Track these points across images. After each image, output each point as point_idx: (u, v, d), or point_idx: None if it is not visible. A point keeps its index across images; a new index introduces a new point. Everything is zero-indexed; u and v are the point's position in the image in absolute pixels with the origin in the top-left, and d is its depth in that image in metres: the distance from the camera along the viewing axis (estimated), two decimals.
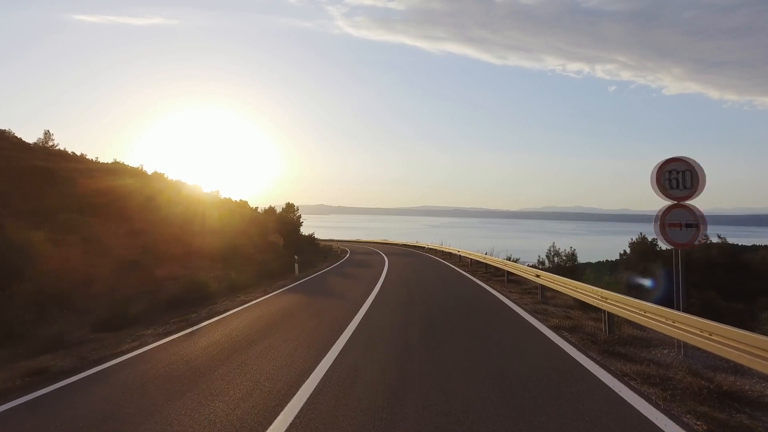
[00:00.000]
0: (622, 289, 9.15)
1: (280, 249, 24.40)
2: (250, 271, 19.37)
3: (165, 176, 33.06)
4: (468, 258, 22.80)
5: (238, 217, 31.05)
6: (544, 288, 10.07)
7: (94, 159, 31.08)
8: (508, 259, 15.80)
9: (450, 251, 27.86)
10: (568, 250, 20.67)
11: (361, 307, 9.47)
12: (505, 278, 13.93)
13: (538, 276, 10.05)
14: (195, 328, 7.91)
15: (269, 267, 20.22)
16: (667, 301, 6.04)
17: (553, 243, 20.66)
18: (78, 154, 30.22)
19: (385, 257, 29.02)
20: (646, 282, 13.48)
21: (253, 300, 11.53)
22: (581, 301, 7.87)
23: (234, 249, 23.90)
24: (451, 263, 22.88)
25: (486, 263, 17.21)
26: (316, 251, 35.86)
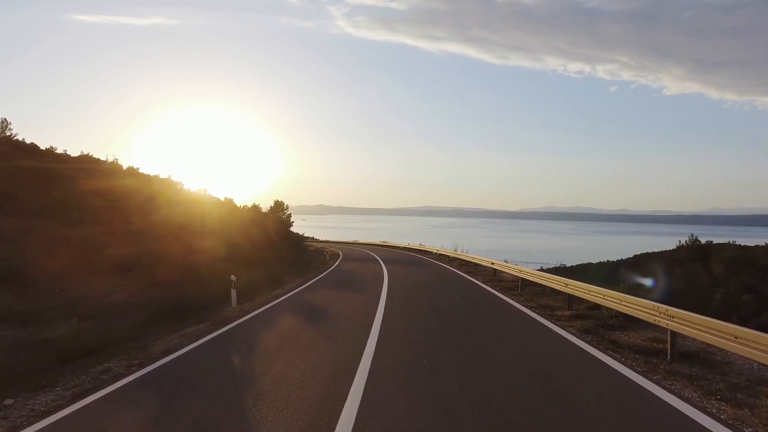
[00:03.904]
0: None
1: (223, 260, 16.62)
2: (164, 297, 11.90)
3: (138, 170, 25.85)
4: (507, 274, 15.01)
5: (210, 217, 23.46)
6: None
7: (63, 152, 24.53)
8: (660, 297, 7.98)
9: (475, 261, 19.95)
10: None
11: None
12: (667, 347, 6.04)
13: None
14: None
15: (197, 291, 12.60)
16: None
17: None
18: (39, 146, 23.62)
19: (384, 268, 21.23)
20: None
21: None
22: None
23: (157, 258, 16.23)
24: (482, 282, 15.08)
25: (569, 293, 9.36)
26: (300, 257, 28.17)
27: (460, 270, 19.89)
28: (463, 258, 22.48)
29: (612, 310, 7.83)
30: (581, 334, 7.26)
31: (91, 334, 8.17)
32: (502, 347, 6.62)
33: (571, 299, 9.42)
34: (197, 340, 7.69)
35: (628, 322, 7.82)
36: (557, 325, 8.00)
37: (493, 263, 16.46)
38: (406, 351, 6.48)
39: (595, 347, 6.41)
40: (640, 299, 6.51)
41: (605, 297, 7.63)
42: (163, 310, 10.92)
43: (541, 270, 18.72)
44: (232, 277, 11.29)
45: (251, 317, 9.70)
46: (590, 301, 8.81)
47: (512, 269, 13.91)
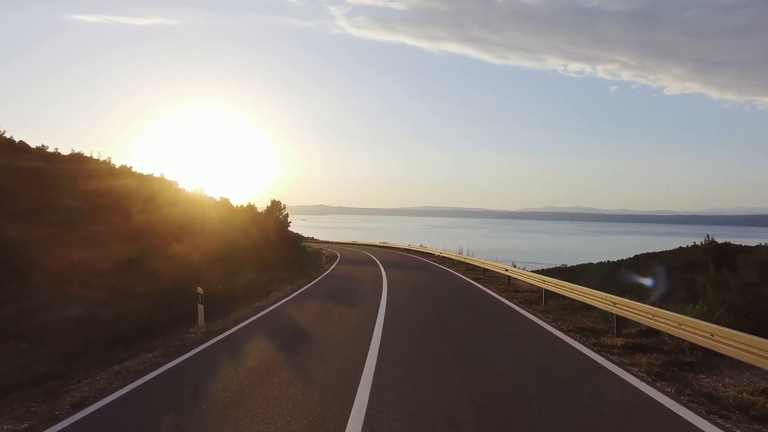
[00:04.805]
0: None
1: (197, 267, 14.65)
2: (127, 311, 10.13)
3: (131, 169, 24.18)
4: (524, 283, 13.08)
5: (204, 217, 21.66)
6: None
7: (54, 151, 22.61)
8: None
9: (484, 266, 17.96)
10: None
11: None
12: None
13: None
14: None
15: (171, 301, 10.76)
16: None
17: None
18: (28, 144, 21.92)
19: (383, 272, 19.31)
20: None
21: None
22: None
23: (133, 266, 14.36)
24: (495, 292, 13.13)
25: (618, 314, 7.36)
26: (296, 259, 26.25)
27: (467, 276, 17.93)
28: (470, 262, 20.50)
29: (684, 340, 5.88)
30: (653, 379, 5.28)
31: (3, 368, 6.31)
32: (552, 404, 4.63)
33: (619, 322, 7.44)
34: (131, 381, 5.72)
35: (709, 356, 5.86)
36: (612, 361, 6.01)
37: (507, 270, 14.48)
38: (410, 404, 4.51)
39: (688, 407, 4.42)
40: (750, 336, 4.52)
41: (683, 327, 5.64)
42: (117, 329, 9.01)
43: (542, 272, 16.83)
44: (199, 290, 9.32)
45: (215, 342, 7.72)
46: (642, 324, 6.87)
47: (533, 278, 11.94)
